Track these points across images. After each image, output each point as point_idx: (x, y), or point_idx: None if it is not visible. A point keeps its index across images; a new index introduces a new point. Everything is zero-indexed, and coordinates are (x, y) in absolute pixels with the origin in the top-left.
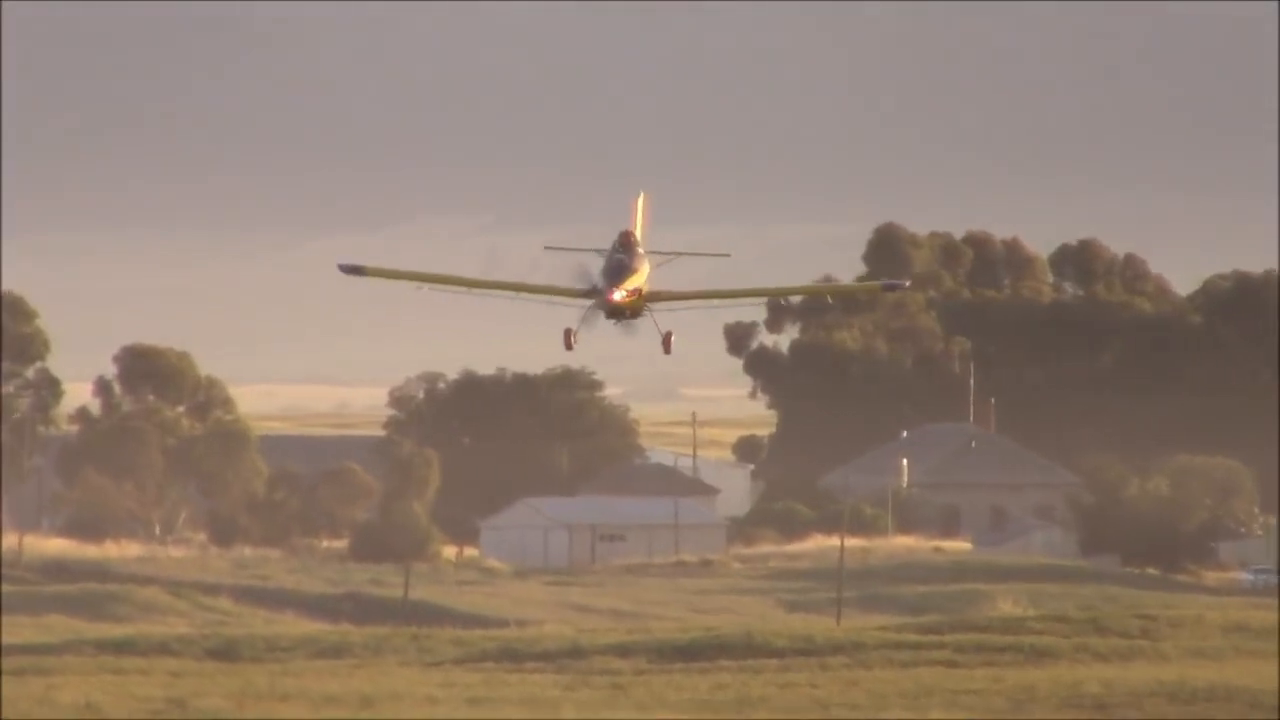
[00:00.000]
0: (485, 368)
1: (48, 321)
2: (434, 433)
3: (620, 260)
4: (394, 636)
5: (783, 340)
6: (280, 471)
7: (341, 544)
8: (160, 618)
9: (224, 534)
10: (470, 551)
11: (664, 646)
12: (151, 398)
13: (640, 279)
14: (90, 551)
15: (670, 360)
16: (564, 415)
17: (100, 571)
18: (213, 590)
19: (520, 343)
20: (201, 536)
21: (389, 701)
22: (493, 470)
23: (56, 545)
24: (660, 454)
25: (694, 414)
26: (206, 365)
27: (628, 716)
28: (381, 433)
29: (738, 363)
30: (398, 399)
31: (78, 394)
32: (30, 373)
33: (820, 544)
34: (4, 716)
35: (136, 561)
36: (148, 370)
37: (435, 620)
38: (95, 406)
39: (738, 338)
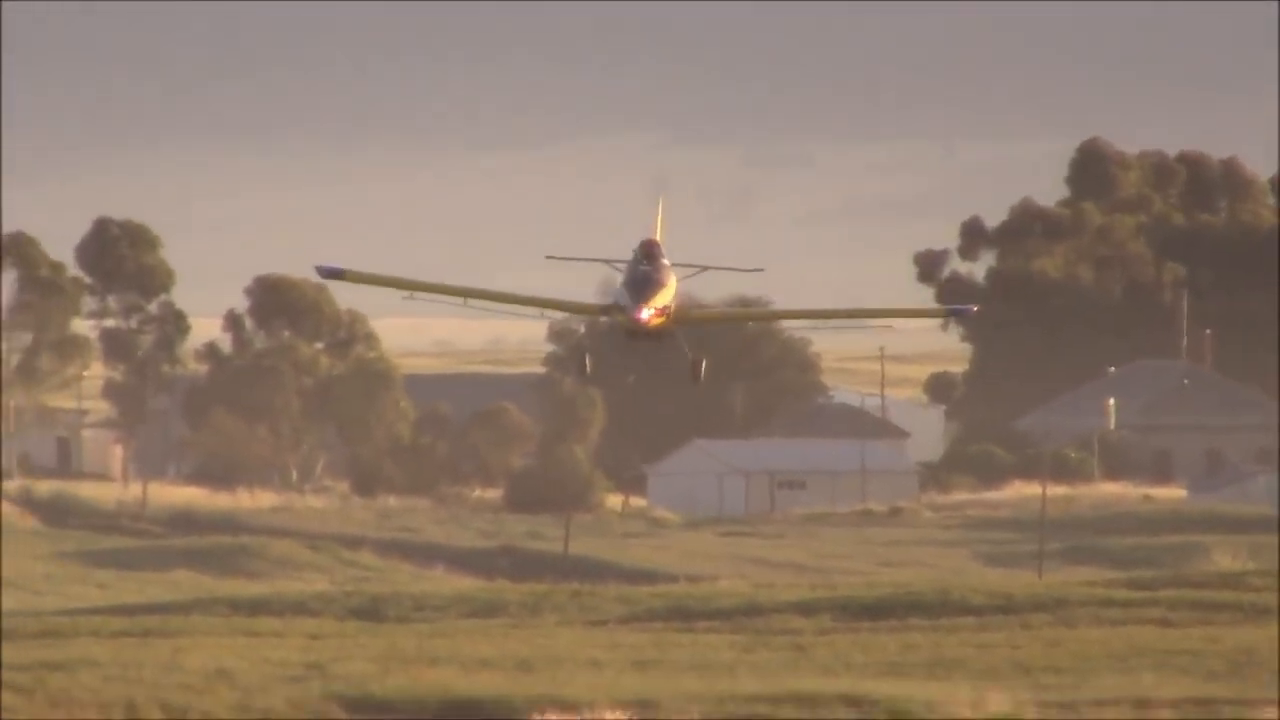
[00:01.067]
0: None
1: (172, 251)
2: (597, 370)
3: (646, 273)
4: (553, 594)
5: (978, 268)
6: (428, 413)
7: (496, 493)
8: (297, 574)
9: (366, 482)
10: (637, 500)
11: (849, 604)
12: (286, 333)
13: (669, 295)
14: (220, 501)
15: (856, 289)
16: (739, 350)
17: (231, 523)
18: (354, 544)
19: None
20: (342, 485)
21: (548, 665)
22: (661, 411)
23: (184, 494)
24: (845, 393)
25: (882, 348)
26: (346, 298)
27: (810, 681)
28: (540, 370)
29: (929, 292)
30: (557, 333)
31: (206, 330)
32: (154, 307)
33: (1020, 491)
34: (130, 677)
35: (271, 512)
36: (282, 303)
37: (598, 576)
38: (225, 343)
39: (929, 265)
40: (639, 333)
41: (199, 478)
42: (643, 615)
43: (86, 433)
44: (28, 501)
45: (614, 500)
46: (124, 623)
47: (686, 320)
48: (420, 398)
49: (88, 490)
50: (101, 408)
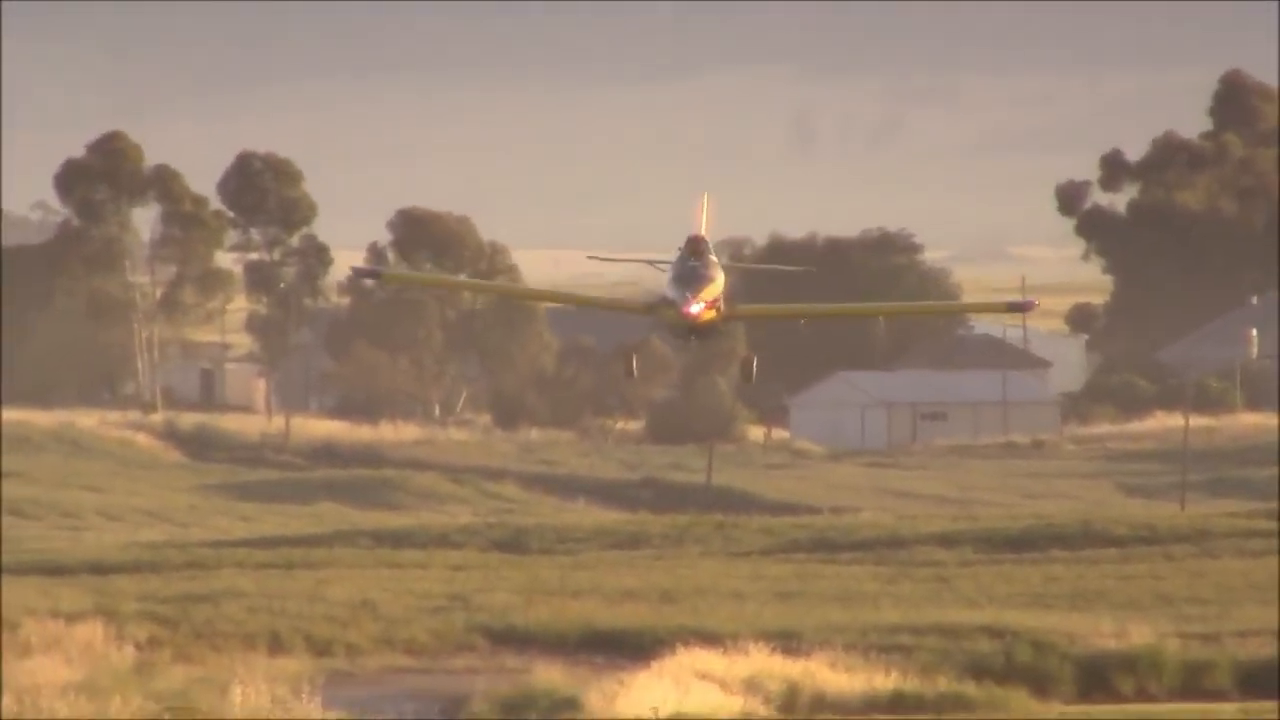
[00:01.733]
0: (794, 231)
1: (316, 184)
2: (739, 302)
3: (695, 268)
4: (696, 525)
5: (1119, 200)
6: (571, 346)
7: (638, 425)
8: (440, 506)
9: (509, 415)
10: (779, 432)
11: (992, 535)
12: (429, 266)
13: (718, 289)
14: (363, 434)
15: (997, 219)
16: (880, 281)
17: (374, 456)
18: (497, 476)
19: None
20: (484, 417)
21: (691, 596)
22: (803, 343)
23: (326, 427)
24: (986, 324)
25: (1023, 278)
26: (489, 230)
27: (953, 612)
28: None
29: (1070, 223)
30: None
31: (348, 262)
32: (296, 240)
33: (1162, 422)
34: (275, 609)
35: (413, 445)
36: (425, 236)
37: (741, 507)
38: None
39: (1070, 197)
40: (688, 329)
41: (342, 410)
42: (785, 546)
43: (230, 366)
44: (171, 434)
45: (756, 432)
46: (267, 555)
47: (736, 316)
48: (563, 331)
49: (231, 423)
50: (244, 341)
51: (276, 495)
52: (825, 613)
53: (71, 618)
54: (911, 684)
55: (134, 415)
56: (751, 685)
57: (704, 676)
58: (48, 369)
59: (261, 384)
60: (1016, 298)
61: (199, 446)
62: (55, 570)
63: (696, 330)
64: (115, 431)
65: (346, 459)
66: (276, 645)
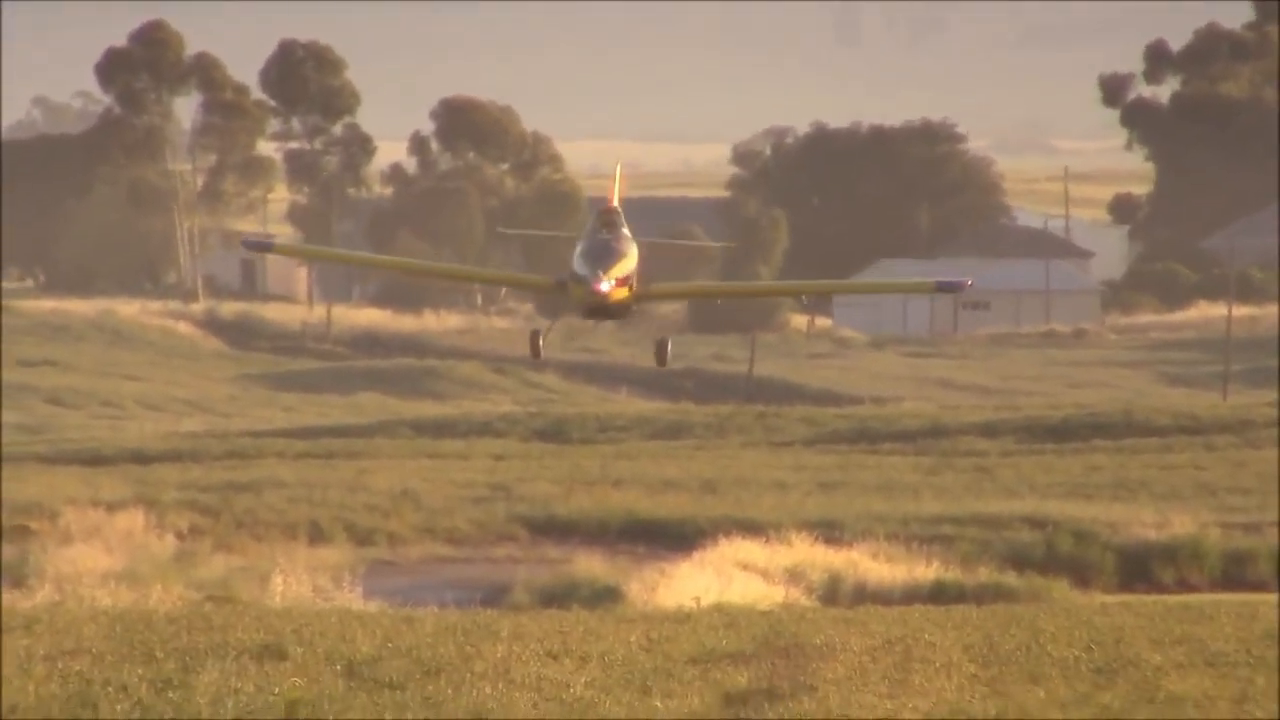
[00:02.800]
0: (837, 120)
1: (358, 73)
2: (781, 192)
3: (605, 242)
4: (738, 415)
5: (1162, 91)
6: None
7: (680, 312)
8: (482, 395)
9: (551, 304)
10: (822, 321)
11: (1034, 425)
12: (471, 155)
13: (630, 265)
14: (405, 323)
15: (1039, 110)
16: (922, 171)
17: (416, 345)
18: (539, 365)
19: (874, 93)
20: (527, 306)
21: (733, 486)
22: (845, 232)
23: (368, 316)
24: (1028, 214)
25: (1065, 169)
26: (531, 119)
27: (994, 502)
28: (725, 193)
29: (1113, 114)
30: (742, 156)
31: (390, 152)
32: (338, 129)
33: (1204, 312)
34: (315, 498)
35: (456, 334)
36: (467, 125)
37: (783, 397)
38: (410, 166)
39: (1113, 88)
40: (598, 307)
41: (384, 299)
42: (827, 437)
43: (271, 255)
44: (212, 323)
45: (799, 321)
46: (308, 444)
47: (650, 296)
48: None
49: (272, 312)
50: (285, 231)
51: (317, 385)
52: (867, 503)
53: (112, 506)
54: (952, 574)
55: (175, 304)
56: (794, 575)
57: (746, 566)
58: (88, 258)
59: (303, 273)
60: (948, 279)
61: (240, 336)
62: (96, 459)
63: (607, 309)
64: (156, 320)
65: (388, 348)
66: (317, 535)
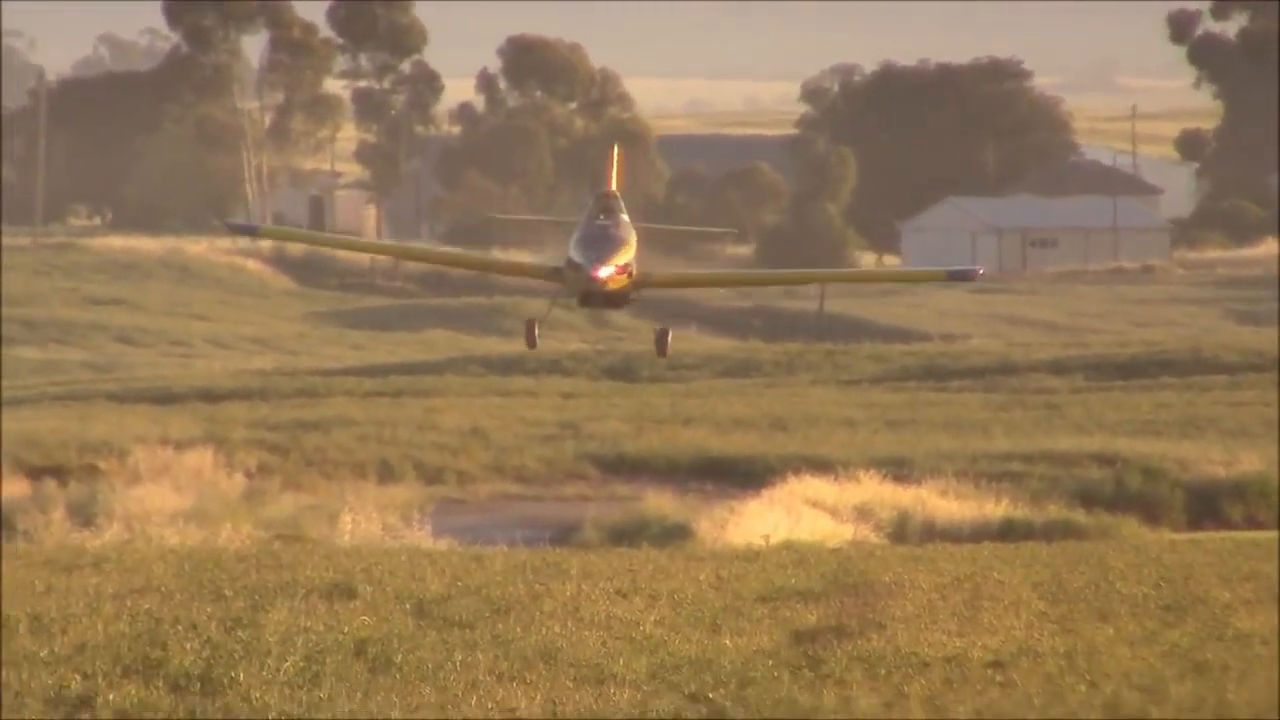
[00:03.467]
0: (905, 58)
1: (426, 10)
2: (850, 129)
3: (604, 228)
4: (807, 353)
5: (1230, 27)
6: (682, 173)
7: (749, 251)
8: (551, 333)
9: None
10: (890, 258)
11: (1102, 362)
12: (539, 94)
13: (630, 252)
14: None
15: (1107, 49)
16: (990, 109)
17: (485, 283)
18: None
19: (943, 30)
20: None
21: (802, 424)
22: (913, 169)
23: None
24: (1096, 150)
25: (1134, 106)
26: (600, 57)
27: (1063, 439)
28: (793, 130)
29: (1181, 51)
30: (811, 93)
31: (458, 91)
32: (406, 67)
33: (1272, 249)
34: (385, 436)
35: None
36: (535, 63)
37: (852, 334)
38: (478, 104)
39: (1181, 24)
40: (596, 295)
41: (453, 238)
42: (896, 374)
43: (340, 193)
44: (281, 261)
45: (867, 258)
46: (377, 383)
47: (651, 284)
48: (674, 158)
49: (341, 251)
50: (354, 170)
51: (386, 323)
52: (935, 440)
53: (181, 445)
54: (1021, 511)
55: (243, 242)
56: (862, 513)
57: (815, 504)
58: (156, 196)
59: (372, 211)
60: (960, 267)
61: (308, 274)
62: (165, 398)
63: (605, 297)
64: (224, 258)
65: (458, 286)
66: (386, 473)
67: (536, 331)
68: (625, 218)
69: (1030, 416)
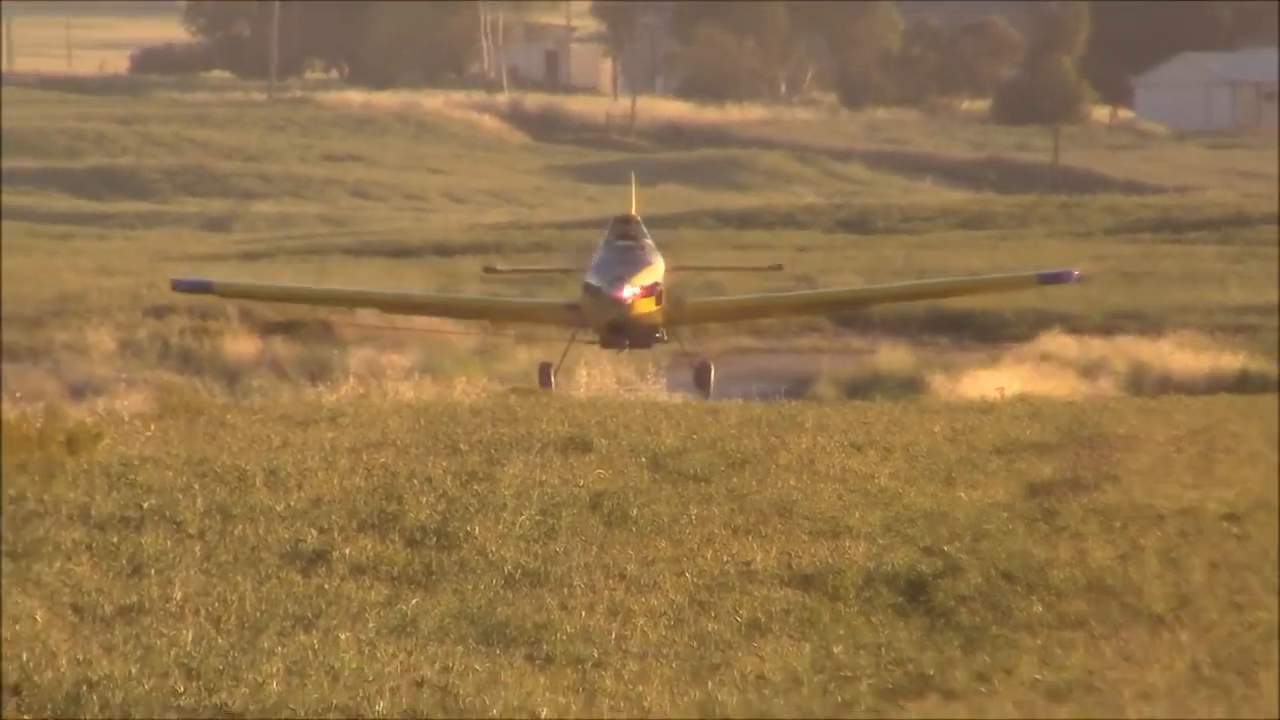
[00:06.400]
0: None
1: None
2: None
3: (624, 248)
4: (1041, 205)
5: None
6: (917, 25)
7: (984, 104)
8: (785, 186)
9: (855, 94)
10: (1124, 112)
11: None
12: None
13: (656, 274)
14: (708, 114)
15: None
16: None
17: (719, 136)
18: (843, 155)
19: None
20: (831, 97)
21: None
22: (1149, 22)
23: (671, 108)
24: None
25: None
26: None
27: None
28: None
29: None
30: None
31: None
32: None
33: None
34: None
35: (759, 124)
36: None
37: (1086, 187)
38: None
39: None
40: (620, 330)
41: (687, 91)
42: (1130, 226)
43: (575, 46)
44: (516, 115)
45: (1102, 112)
46: None
47: (688, 320)
48: (910, 10)
49: (576, 104)
50: (590, 25)
51: (621, 176)
52: (1171, 293)
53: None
54: (1258, 364)
55: (479, 96)
56: (1098, 366)
57: (1049, 358)
58: (393, 51)
59: (607, 65)
60: (1051, 271)
61: (544, 128)
62: (400, 251)
63: (633, 329)
64: (460, 113)
65: (692, 140)
66: None
67: (554, 378)
68: (650, 242)
69: (1267, 268)
